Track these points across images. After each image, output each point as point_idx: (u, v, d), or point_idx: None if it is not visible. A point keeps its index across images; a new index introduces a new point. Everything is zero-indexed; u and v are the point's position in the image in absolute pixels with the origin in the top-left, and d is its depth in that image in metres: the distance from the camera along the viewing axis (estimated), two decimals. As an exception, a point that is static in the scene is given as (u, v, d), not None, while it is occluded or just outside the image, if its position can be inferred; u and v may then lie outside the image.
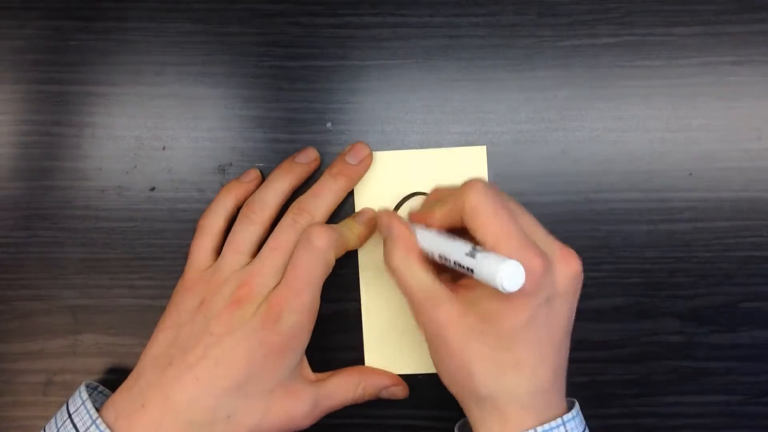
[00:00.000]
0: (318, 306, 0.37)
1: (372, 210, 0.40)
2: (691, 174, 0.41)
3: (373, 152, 0.41)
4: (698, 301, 0.42)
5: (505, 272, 0.30)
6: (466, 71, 0.42)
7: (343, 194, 0.40)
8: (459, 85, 0.42)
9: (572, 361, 0.39)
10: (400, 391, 0.41)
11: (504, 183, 0.41)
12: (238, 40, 0.42)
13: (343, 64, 0.42)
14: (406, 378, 0.41)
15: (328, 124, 0.42)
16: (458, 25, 0.42)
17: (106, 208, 0.42)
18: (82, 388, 0.36)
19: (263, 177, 0.41)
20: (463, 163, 0.41)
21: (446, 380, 0.35)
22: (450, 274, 0.37)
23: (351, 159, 0.40)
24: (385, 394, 0.40)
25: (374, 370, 0.41)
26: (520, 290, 0.31)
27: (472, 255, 0.32)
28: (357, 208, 0.41)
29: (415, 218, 0.37)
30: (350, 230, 0.39)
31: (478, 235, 0.33)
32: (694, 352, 0.42)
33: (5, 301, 0.42)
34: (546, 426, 0.33)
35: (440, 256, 0.34)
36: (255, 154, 0.41)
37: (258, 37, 0.42)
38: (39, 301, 0.42)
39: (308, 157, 0.40)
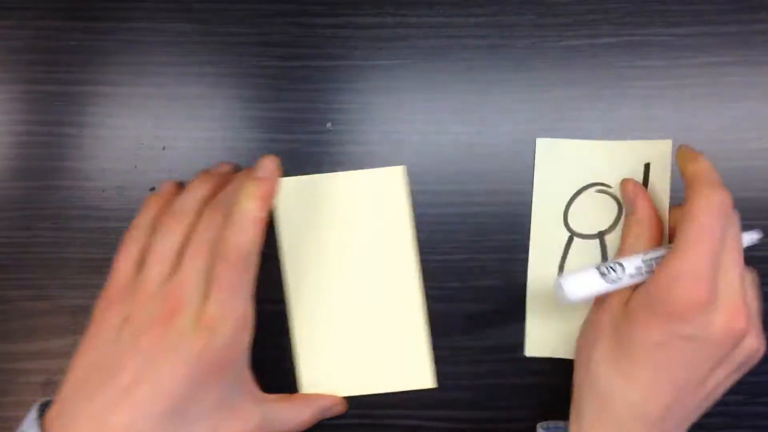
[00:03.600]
0: (252, 315, 0.35)
1: (274, 158, 0.36)
2: (691, 174, 0.41)
3: (296, 177, 0.41)
4: (698, 301, 0.42)
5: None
6: (466, 71, 0.42)
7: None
8: (459, 85, 0.42)
9: (571, 360, 0.39)
10: (342, 408, 0.41)
11: (504, 182, 0.41)
12: (238, 40, 0.42)
13: (343, 64, 0.42)
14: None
15: (328, 124, 0.42)
16: (458, 25, 0.42)
17: (106, 208, 0.42)
18: (34, 409, 0.34)
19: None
20: (381, 186, 0.41)
21: (577, 346, 0.37)
22: None
23: (262, 174, 0.37)
24: (327, 415, 0.40)
25: (317, 396, 0.40)
26: (668, 306, 0.32)
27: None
28: (281, 240, 0.41)
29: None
30: (251, 200, 0.35)
31: (678, 228, 0.33)
32: (694, 352, 0.42)
33: (6, 301, 0.42)
34: None
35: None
36: (255, 155, 0.41)
37: (258, 37, 0.42)
38: (39, 301, 0.42)
39: (224, 169, 0.40)
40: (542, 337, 0.42)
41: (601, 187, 0.41)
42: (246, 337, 0.35)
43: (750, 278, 0.36)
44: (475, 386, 0.41)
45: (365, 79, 0.42)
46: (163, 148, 0.42)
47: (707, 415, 0.42)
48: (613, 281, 0.34)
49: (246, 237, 0.34)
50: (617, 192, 0.41)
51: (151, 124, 0.42)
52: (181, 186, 0.40)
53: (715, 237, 0.32)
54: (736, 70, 0.41)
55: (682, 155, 0.36)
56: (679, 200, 0.41)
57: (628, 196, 0.39)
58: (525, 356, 0.42)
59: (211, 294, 0.33)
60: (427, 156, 0.42)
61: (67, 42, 0.42)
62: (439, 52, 0.42)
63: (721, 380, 0.35)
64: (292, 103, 0.42)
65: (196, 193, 0.37)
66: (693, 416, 0.35)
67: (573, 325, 0.41)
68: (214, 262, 0.34)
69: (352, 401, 0.41)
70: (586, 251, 0.42)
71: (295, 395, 0.40)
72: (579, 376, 0.36)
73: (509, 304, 0.42)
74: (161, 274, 0.35)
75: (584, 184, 0.41)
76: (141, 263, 0.36)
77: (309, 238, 0.41)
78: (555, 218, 0.41)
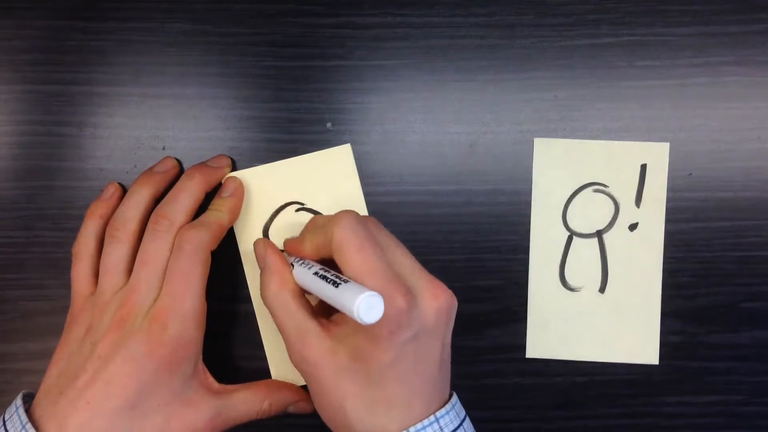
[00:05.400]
0: (204, 309, 0.37)
1: (235, 178, 0.40)
2: (691, 174, 0.41)
3: (241, 170, 0.41)
4: (698, 301, 0.42)
5: (363, 303, 0.29)
6: (466, 71, 0.42)
7: (201, 194, 0.39)
8: (459, 85, 0.42)
9: (571, 360, 0.39)
10: (308, 406, 0.40)
11: (504, 182, 0.41)
12: (238, 40, 0.42)
13: (343, 64, 0.42)
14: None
15: (328, 124, 0.42)
16: (458, 25, 0.42)
17: (106, 208, 0.42)
18: (19, 397, 0.35)
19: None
20: (331, 165, 0.41)
21: (324, 418, 0.35)
22: (326, 310, 0.37)
23: (212, 164, 0.40)
24: (292, 410, 0.40)
25: (283, 385, 0.40)
26: (384, 327, 0.31)
27: (335, 285, 0.31)
28: (236, 230, 0.41)
29: (289, 248, 0.37)
30: (219, 210, 0.39)
31: (345, 270, 0.33)
32: (694, 352, 0.42)
33: (7, 301, 0.42)
34: (418, 425, 0.33)
35: (313, 289, 0.34)
36: (255, 154, 0.41)
37: (258, 37, 0.42)
38: (40, 301, 0.42)
39: (165, 166, 0.40)
40: (543, 338, 0.42)
41: (599, 186, 0.41)
42: (197, 333, 0.36)
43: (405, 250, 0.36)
44: (475, 386, 0.41)
45: (365, 79, 0.42)
46: (163, 148, 0.42)
47: (707, 415, 0.42)
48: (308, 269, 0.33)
49: (203, 231, 0.37)
50: (614, 191, 0.41)
51: (151, 124, 0.42)
52: (124, 189, 0.41)
53: (371, 246, 0.32)
54: (736, 70, 0.41)
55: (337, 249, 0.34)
56: (676, 201, 0.41)
57: (259, 255, 0.38)
58: (525, 356, 0.42)
59: (164, 287, 0.35)
60: (427, 156, 0.42)
61: (67, 42, 0.42)
62: (439, 52, 0.42)
63: (449, 345, 0.35)
64: (292, 103, 0.42)
65: (138, 199, 0.38)
66: (448, 377, 0.36)
67: (573, 325, 0.41)
68: (170, 262, 0.36)
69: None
70: (585, 250, 0.42)
71: (255, 383, 0.40)
72: (339, 431, 0.35)
73: (509, 304, 0.42)
74: (115, 284, 0.37)
75: (582, 184, 0.41)
76: (95, 273, 0.38)
77: (263, 226, 0.41)
78: (554, 218, 0.41)
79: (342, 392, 0.33)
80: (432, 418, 0.33)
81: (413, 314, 0.32)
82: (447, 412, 0.34)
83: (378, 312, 0.29)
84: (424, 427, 0.33)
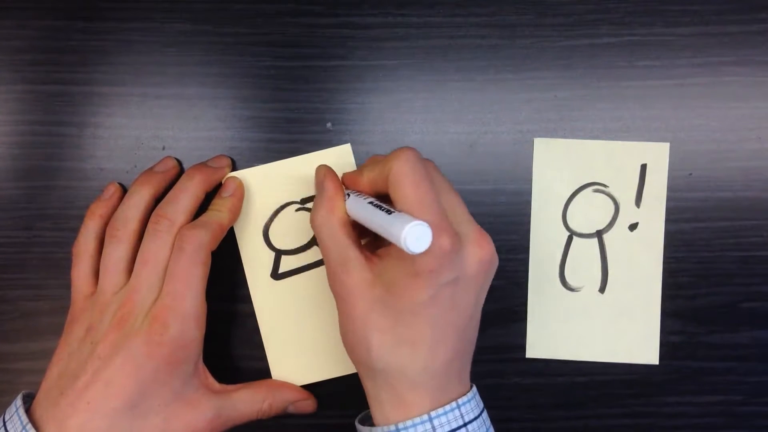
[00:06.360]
0: (204, 310, 0.37)
1: (235, 178, 0.40)
2: (691, 174, 0.41)
3: (241, 170, 0.41)
4: (698, 301, 0.42)
5: (412, 231, 0.29)
6: (466, 71, 0.42)
7: (201, 194, 0.39)
8: (459, 85, 0.42)
9: (572, 360, 0.39)
10: (308, 406, 0.40)
11: (504, 182, 0.41)
12: (238, 40, 0.42)
13: (343, 64, 0.42)
14: (326, 384, 0.41)
15: (328, 124, 0.42)
16: (458, 25, 0.42)
17: (106, 208, 0.42)
18: (19, 397, 0.35)
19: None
20: (332, 165, 0.40)
21: (347, 348, 0.35)
22: (373, 243, 0.37)
23: (212, 164, 0.40)
24: (292, 409, 0.40)
25: (282, 385, 0.40)
26: (426, 264, 0.31)
27: (388, 213, 0.31)
28: (236, 230, 0.41)
29: (347, 180, 0.37)
30: (219, 210, 0.39)
31: (398, 204, 0.32)
32: (694, 352, 0.42)
33: (7, 301, 0.42)
34: (440, 410, 0.33)
35: (364, 219, 0.33)
36: (255, 154, 0.41)
37: (258, 37, 0.42)
38: (41, 301, 0.42)
39: (165, 166, 0.40)
40: (543, 338, 0.42)
41: (599, 186, 0.41)
42: (198, 333, 0.36)
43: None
44: (476, 386, 0.41)
45: (365, 79, 0.42)
46: (163, 148, 0.42)
47: (707, 415, 0.42)
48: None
49: (203, 231, 0.37)
50: (614, 191, 0.41)
51: (151, 124, 0.42)
52: (124, 189, 0.41)
53: (427, 184, 0.32)
54: (736, 70, 0.41)
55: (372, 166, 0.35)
56: (676, 201, 0.41)
57: (318, 180, 0.37)
58: (525, 356, 0.42)
59: (164, 287, 0.36)
60: (427, 156, 0.41)
61: (67, 42, 0.42)
62: (439, 52, 0.42)
63: (482, 303, 0.35)
64: (292, 103, 0.42)
65: (138, 198, 0.38)
66: (473, 345, 0.36)
67: (573, 325, 0.41)
68: (170, 262, 0.36)
69: (346, 401, 0.41)
70: (585, 250, 0.42)
71: (255, 382, 0.40)
72: (365, 370, 0.34)
73: (509, 304, 0.42)
74: (116, 284, 0.37)
75: (582, 184, 0.41)
76: (95, 273, 0.38)
77: (263, 226, 0.41)
78: (554, 218, 0.41)
79: (371, 324, 0.33)
80: (454, 404, 0.33)
81: (457, 258, 0.32)
82: (468, 400, 0.34)
83: (425, 243, 0.29)
84: (445, 412, 0.33)
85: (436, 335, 0.33)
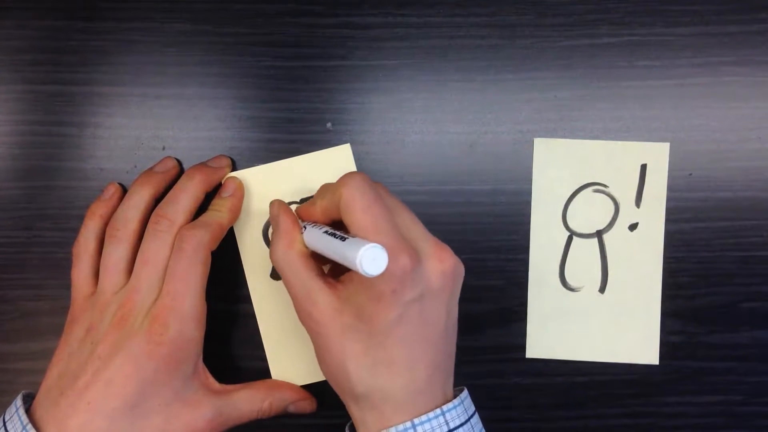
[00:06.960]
0: (204, 310, 0.37)
1: (235, 178, 0.40)
2: (691, 174, 0.41)
3: (241, 170, 0.41)
4: (698, 301, 0.42)
5: (366, 254, 0.29)
6: (466, 71, 0.42)
7: (201, 194, 0.39)
8: (459, 85, 0.42)
9: (571, 360, 0.39)
10: (308, 406, 0.40)
11: (504, 182, 0.41)
12: (238, 40, 0.42)
13: (343, 64, 0.42)
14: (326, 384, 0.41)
15: (328, 124, 0.42)
16: (458, 25, 0.42)
17: (106, 208, 0.42)
18: (19, 397, 0.35)
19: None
20: (331, 165, 0.41)
21: (328, 378, 0.35)
22: (336, 269, 0.37)
23: (211, 164, 0.40)
24: (292, 409, 0.40)
25: (282, 385, 0.40)
26: (388, 285, 0.31)
27: (342, 240, 0.31)
28: (236, 230, 0.41)
29: (301, 212, 0.37)
30: (219, 210, 0.39)
31: (352, 229, 0.33)
32: (694, 352, 0.42)
33: (7, 301, 0.42)
34: (423, 417, 0.33)
35: (322, 249, 0.33)
36: (255, 154, 0.41)
37: (258, 37, 0.42)
38: (41, 301, 0.42)
39: (165, 166, 0.40)
40: (543, 338, 0.42)
41: (599, 186, 0.41)
42: (198, 333, 0.36)
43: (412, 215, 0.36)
44: (475, 386, 0.41)
45: (365, 79, 0.42)
46: (163, 148, 0.42)
47: (707, 415, 0.42)
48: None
49: (203, 231, 0.37)
50: (614, 191, 0.41)
51: (151, 124, 0.42)
52: (124, 189, 0.41)
53: (378, 206, 0.33)
54: (736, 70, 0.41)
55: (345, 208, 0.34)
56: (676, 201, 0.41)
57: (272, 215, 0.37)
58: (525, 356, 0.42)
59: (164, 287, 0.36)
60: (427, 156, 0.42)
61: (67, 42, 0.42)
62: (439, 52, 0.42)
63: (455, 312, 0.35)
64: (292, 103, 0.42)
65: (138, 199, 0.38)
66: (453, 351, 0.36)
67: (573, 325, 0.41)
68: (170, 262, 0.36)
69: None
70: (585, 250, 0.42)
71: (255, 383, 0.40)
72: (349, 396, 0.35)
73: (509, 304, 0.42)
74: (116, 284, 0.37)
75: (582, 184, 0.41)
76: (95, 273, 0.38)
77: (263, 226, 0.41)
78: (554, 218, 0.41)
79: (345, 351, 0.33)
80: (438, 411, 0.33)
81: (417, 274, 0.32)
82: (454, 407, 0.34)
83: (381, 264, 0.29)
84: (429, 419, 0.33)
85: (412, 353, 0.33)
